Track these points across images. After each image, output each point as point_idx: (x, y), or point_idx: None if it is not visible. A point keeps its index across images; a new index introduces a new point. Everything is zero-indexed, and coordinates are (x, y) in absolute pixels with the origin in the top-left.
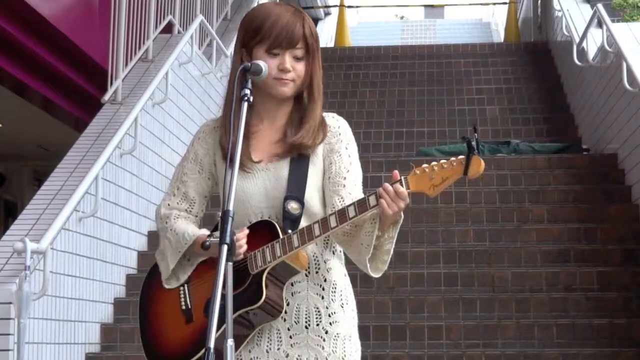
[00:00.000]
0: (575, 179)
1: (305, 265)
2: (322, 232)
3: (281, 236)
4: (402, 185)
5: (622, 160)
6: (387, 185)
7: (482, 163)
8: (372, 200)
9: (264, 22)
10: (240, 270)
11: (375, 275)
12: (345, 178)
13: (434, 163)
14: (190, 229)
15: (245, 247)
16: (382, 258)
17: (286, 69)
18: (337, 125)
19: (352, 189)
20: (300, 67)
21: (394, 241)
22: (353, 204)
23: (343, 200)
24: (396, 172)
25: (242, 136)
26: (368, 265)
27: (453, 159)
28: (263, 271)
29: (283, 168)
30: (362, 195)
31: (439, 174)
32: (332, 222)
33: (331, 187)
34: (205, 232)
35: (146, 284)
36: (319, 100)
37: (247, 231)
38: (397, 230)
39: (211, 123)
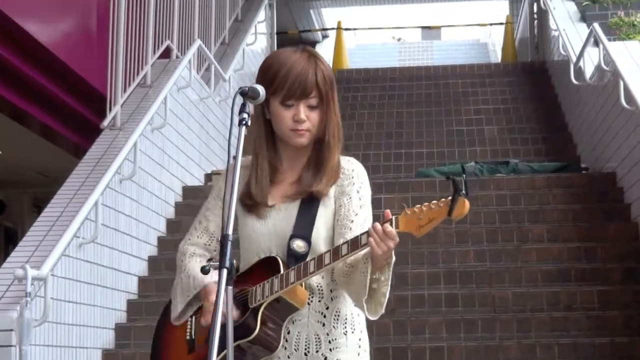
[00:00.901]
0: (575, 198)
1: (304, 301)
2: (316, 269)
3: (282, 272)
4: (391, 225)
5: (620, 178)
6: (377, 224)
7: (467, 204)
8: (363, 238)
9: (277, 72)
10: (240, 305)
11: (372, 317)
12: (352, 221)
13: (425, 204)
14: (200, 274)
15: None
16: (380, 300)
17: (301, 120)
18: (352, 168)
19: (358, 233)
20: (315, 115)
21: (389, 283)
22: (346, 242)
23: None
24: (388, 211)
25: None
26: (365, 306)
27: (442, 199)
28: (260, 305)
29: (294, 208)
30: None
31: (427, 214)
32: (326, 259)
33: (338, 230)
34: (213, 280)
35: (163, 315)
36: (335, 145)
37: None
38: (390, 271)
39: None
